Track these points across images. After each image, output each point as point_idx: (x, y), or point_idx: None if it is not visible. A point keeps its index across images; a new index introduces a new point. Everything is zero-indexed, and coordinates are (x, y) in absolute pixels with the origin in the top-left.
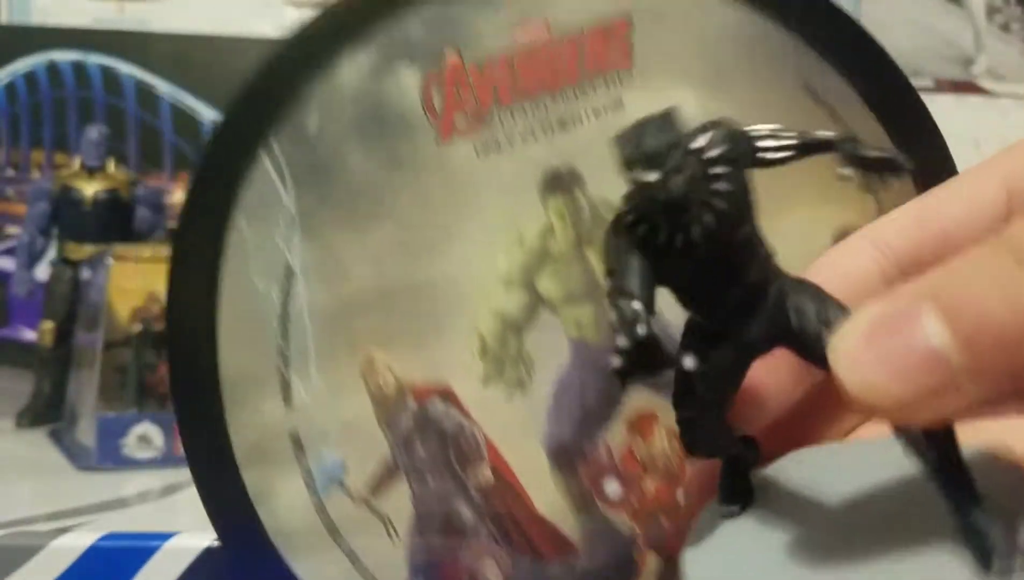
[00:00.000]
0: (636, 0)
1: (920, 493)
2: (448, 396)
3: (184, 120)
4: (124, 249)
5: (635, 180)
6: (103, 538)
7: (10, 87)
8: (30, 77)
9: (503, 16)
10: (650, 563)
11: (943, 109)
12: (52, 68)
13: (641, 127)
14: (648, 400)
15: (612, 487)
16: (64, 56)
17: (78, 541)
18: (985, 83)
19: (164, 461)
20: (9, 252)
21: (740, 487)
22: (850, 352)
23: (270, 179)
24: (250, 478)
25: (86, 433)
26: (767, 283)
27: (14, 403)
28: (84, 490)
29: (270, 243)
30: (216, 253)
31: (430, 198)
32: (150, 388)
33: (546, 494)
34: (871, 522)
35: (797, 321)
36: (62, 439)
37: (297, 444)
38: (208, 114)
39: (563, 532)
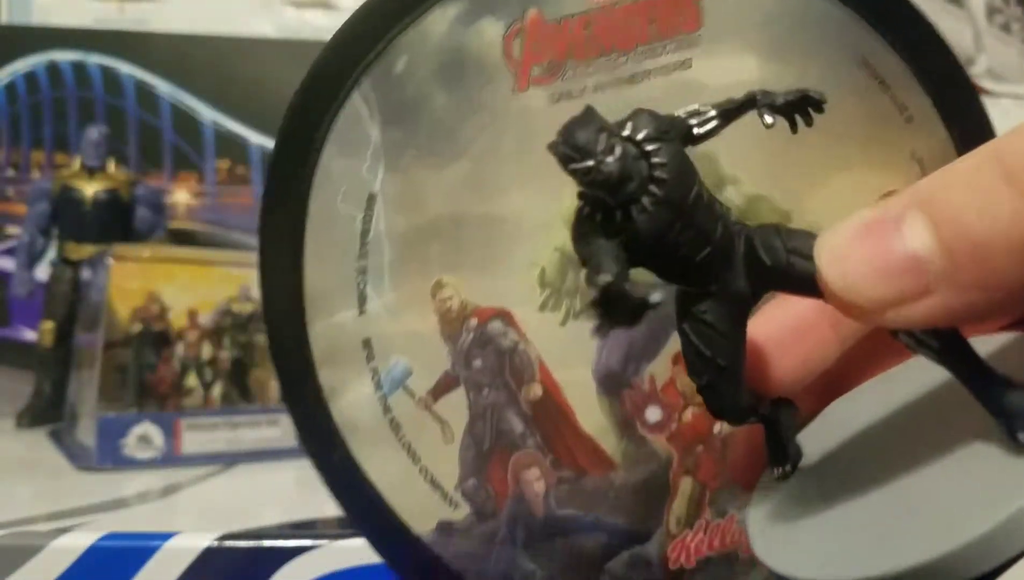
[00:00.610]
0: None
1: (946, 401)
2: (507, 318)
3: (184, 120)
4: (124, 249)
5: (573, 172)
6: (103, 538)
7: (10, 87)
8: (30, 77)
9: None
10: (684, 486)
11: None
12: (52, 68)
13: (567, 128)
14: None
15: (653, 413)
16: (64, 56)
17: (78, 541)
18: (985, 83)
19: (164, 461)
20: (9, 252)
21: (783, 448)
22: (836, 249)
23: (359, 115)
24: (324, 376)
25: (86, 433)
26: (734, 236)
27: (14, 403)
28: (84, 490)
29: (356, 173)
30: (306, 180)
31: (503, 140)
32: (150, 388)
33: (591, 415)
34: (911, 445)
35: (769, 258)
36: (62, 439)
37: (368, 349)
38: (208, 114)
39: (604, 449)
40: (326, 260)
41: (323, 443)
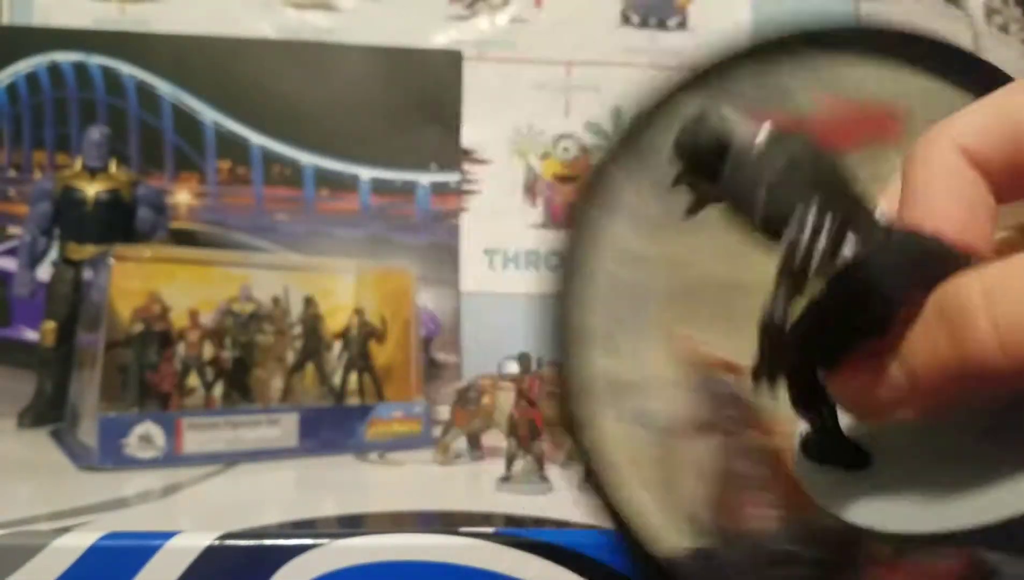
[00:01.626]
0: (914, 87)
1: None
2: (735, 370)
3: (185, 121)
4: (125, 249)
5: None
6: (104, 537)
7: (12, 88)
8: (32, 78)
9: (811, 84)
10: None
11: None
12: (54, 69)
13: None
14: None
15: None
16: (66, 57)
17: (79, 540)
18: None
19: (165, 461)
20: (11, 252)
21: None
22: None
23: (624, 189)
24: (592, 408)
25: (87, 433)
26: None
27: (16, 403)
28: (85, 490)
29: (625, 237)
30: (587, 244)
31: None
32: (151, 388)
33: None
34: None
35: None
36: (64, 439)
37: (617, 387)
38: (209, 115)
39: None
40: (588, 308)
41: (587, 469)
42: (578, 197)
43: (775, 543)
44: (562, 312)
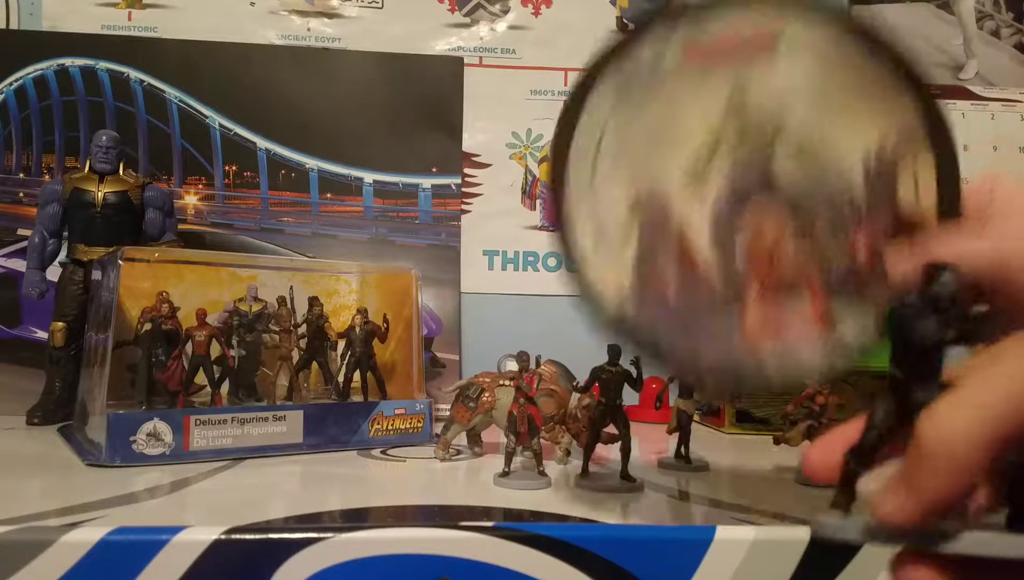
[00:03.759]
0: (784, 21)
1: None
2: (666, 197)
3: (193, 125)
4: (134, 250)
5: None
6: (113, 532)
7: (20, 91)
8: (40, 81)
9: (718, 24)
10: (754, 289)
11: None
12: (62, 73)
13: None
14: (764, 200)
15: (741, 240)
16: (74, 62)
17: (89, 535)
18: (975, 88)
19: (173, 457)
20: (20, 254)
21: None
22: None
23: (603, 91)
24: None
25: (96, 430)
26: None
27: (25, 401)
28: (94, 486)
29: (594, 122)
30: (569, 132)
31: (673, 100)
32: (160, 386)
33: (704, 253)
34: None
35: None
36: (73, 436)
37: (591, 211)
38: (216, 119)
39: (711, 271)
40: (578, 161)
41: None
42: (570, 96)
43: (676, 301)
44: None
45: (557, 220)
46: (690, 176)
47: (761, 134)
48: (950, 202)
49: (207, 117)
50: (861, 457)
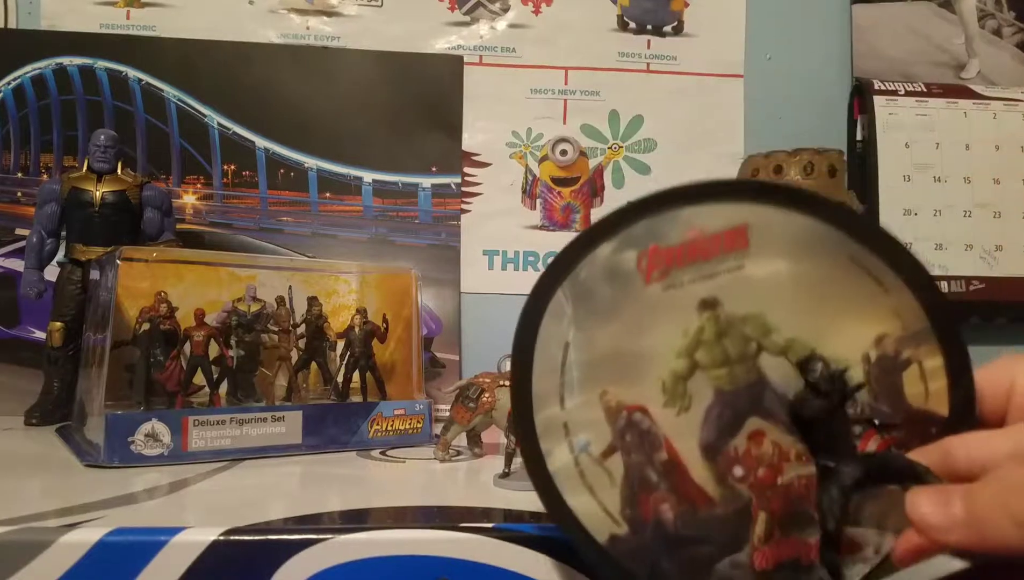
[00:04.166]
0: (751, 215)
1: None
2: (644, 411)
3: (191, 124)
4: (133, 250)
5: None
6: (112, 533)
7: (18, 90)
8: (38, 81)
9: (679, 226)
10: (761, 516)
11: (935, 113)
12: (60, 72)
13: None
14: (759, 423)
15: (738, 470)
16: (72, 61)
17: (87, 536)
18: (977, 87)
19: (172, 458)
20: (18, 253)
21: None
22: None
23: (561, 301)
24: (543, 444)
25: (95, 431)
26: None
27: (24, 401)
28: (93, 486)
29: (559, 330)
30: (533, 335)
31: (639, 310)
32: (158, 386)
33: (699, 470)
34: None
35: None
36: (71, 437)
37: (565, 428)
38: (214, 117)
39: (709, 493)
40: (544, 378)
41: (543, 483)
42: (529, 305)
43: (682, 530)
44: (523, 380)
45: (525, 443)
46: (668, 396)
47: (744, 347)
48: (964, 401)
49: (206, 116)
50: (830, 545)
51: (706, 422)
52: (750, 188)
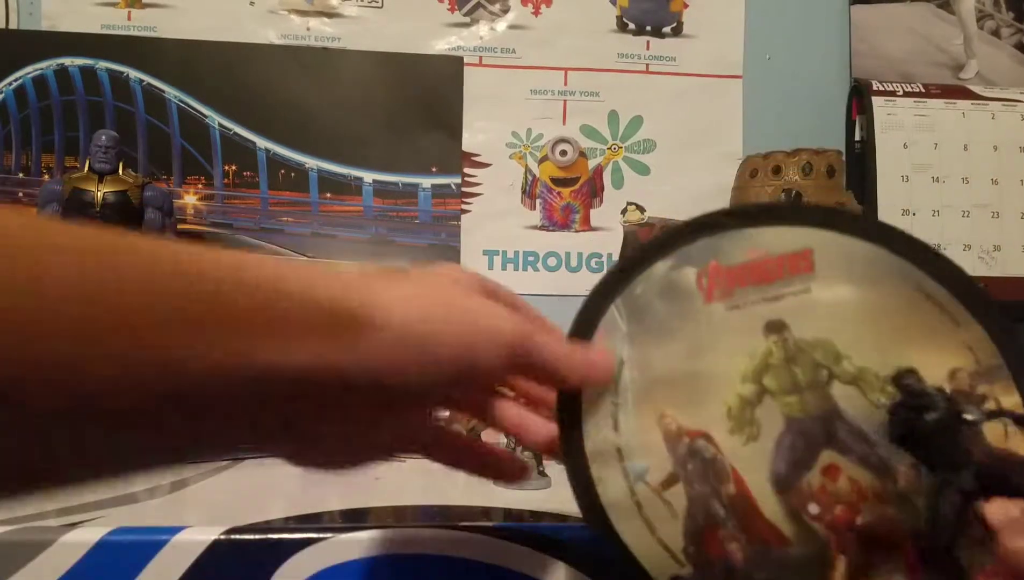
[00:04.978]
0: (815, 239)
1: None
2: (708, 438)
3: (192, 125)
4: None
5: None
6: (112, 532)
7: (19, 91)
8: (39, 81)
9: (742, 244)
10: (840, 561)
11: (934, 113)
12: (61, 73)
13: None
14: (833, 457)
15: (812, 507)
16: (73, 61)
17: (88, 536)
18: (975, 88)
19: None
20: None
21: None
22: None
23: (615, 317)
24: (593, 469)
25: None
26: None
27: None
28: None
29: (611, 347)
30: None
31: (699, 329)
32: None
33: (770, 505)
34: None
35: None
36: None
37: (619, 453)
38: (216, 118)
39: (782, 530)
40: (595, 398)
41: (596, 516)
42: (580, 318)
43: (753, 573)
44: (573, 401)
45: (573, 468)
46: (735, 423)
47: (815, 374)
48: None
49: (207, 117)
50: (937, 554)
51: (777, 453)
52: (815, 213)
